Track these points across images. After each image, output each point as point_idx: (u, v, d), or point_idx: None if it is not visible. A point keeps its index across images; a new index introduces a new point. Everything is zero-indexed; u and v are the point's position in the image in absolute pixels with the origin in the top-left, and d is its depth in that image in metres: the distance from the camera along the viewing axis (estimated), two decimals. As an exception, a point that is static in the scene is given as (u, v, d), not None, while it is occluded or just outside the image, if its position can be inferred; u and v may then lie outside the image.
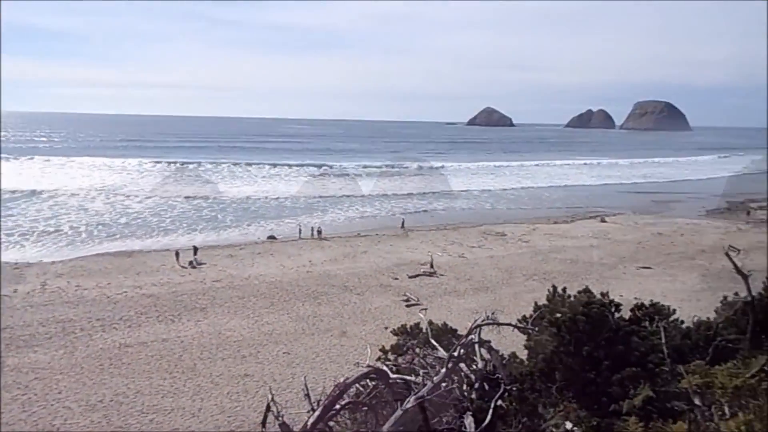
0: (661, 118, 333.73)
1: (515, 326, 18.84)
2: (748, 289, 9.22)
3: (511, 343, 17.69)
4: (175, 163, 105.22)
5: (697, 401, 6.21)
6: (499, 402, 14.19)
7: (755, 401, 5.83)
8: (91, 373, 22.77)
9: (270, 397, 15.24)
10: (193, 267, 38.39)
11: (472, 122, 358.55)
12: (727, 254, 9.38)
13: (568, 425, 6.64)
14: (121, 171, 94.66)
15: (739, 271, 9.02)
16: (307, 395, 14.88)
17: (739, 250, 10.44)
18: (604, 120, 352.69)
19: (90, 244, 45.77)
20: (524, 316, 19.25)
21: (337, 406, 14.98)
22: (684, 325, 10.86)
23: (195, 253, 40.20)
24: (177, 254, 39.73)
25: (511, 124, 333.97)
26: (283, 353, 25.14)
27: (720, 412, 5.90)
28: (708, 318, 13.58)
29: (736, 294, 12.63)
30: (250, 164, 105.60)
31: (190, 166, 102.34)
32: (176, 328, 27.84)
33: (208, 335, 27.11)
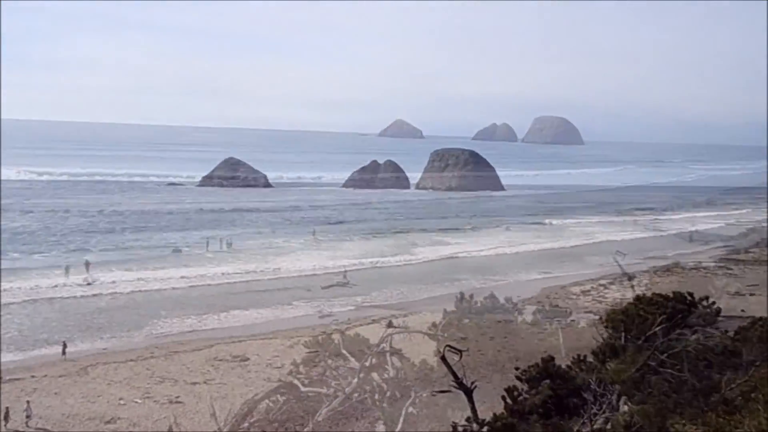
0: (558, 133, 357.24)
1: (425, 333, 19.31)
2: (633, 289, 10.02)
3: (422, 350, 18.06)
4: (66, 174, 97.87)
5: (590, 397, 6.63)
6: (411, 409, 14.41)
7: (639, 392, 6.33)
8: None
9: (173, 419, 14.49)
10: (88, 284, 35.74)
11: (383, 133, 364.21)
12: (614, 259, 10.14)
13: (475, 426, 6.83)
14: (2, 182, 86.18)
15: (624, 273, 9.77)
16: (213, 414, 14.28)
17: (625, 254, 11.35)
18: (508, 133, 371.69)
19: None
20: (434, 323, 19.80)
21: (246, 425, 14.52)
22: (580, 326, 11.61)
23: (87, 269, 37.40)
24: (67, 270, 36.77)
25: (421, 136, 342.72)
26: (189, 371, 23.93)
27: (610, 405, 6.34)
28: (600, 318, 14.59)
29: (624, 294, 13.72)
30: (147, 175, 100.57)
31: (83, 177, 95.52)
32: (69, 351, 25.66)
33: (105, 355, 25.25)
